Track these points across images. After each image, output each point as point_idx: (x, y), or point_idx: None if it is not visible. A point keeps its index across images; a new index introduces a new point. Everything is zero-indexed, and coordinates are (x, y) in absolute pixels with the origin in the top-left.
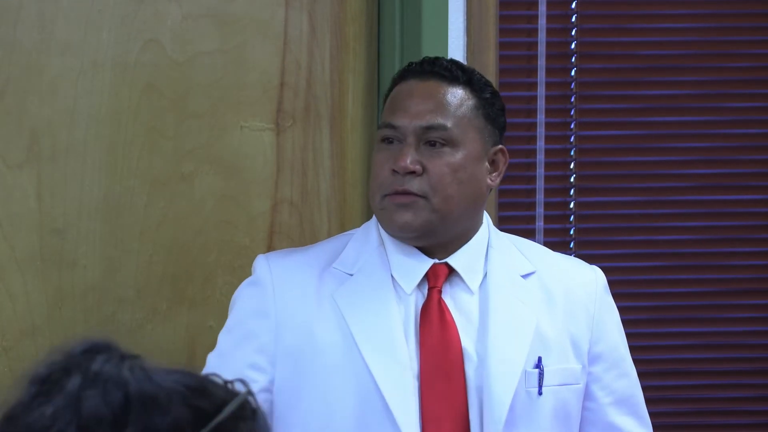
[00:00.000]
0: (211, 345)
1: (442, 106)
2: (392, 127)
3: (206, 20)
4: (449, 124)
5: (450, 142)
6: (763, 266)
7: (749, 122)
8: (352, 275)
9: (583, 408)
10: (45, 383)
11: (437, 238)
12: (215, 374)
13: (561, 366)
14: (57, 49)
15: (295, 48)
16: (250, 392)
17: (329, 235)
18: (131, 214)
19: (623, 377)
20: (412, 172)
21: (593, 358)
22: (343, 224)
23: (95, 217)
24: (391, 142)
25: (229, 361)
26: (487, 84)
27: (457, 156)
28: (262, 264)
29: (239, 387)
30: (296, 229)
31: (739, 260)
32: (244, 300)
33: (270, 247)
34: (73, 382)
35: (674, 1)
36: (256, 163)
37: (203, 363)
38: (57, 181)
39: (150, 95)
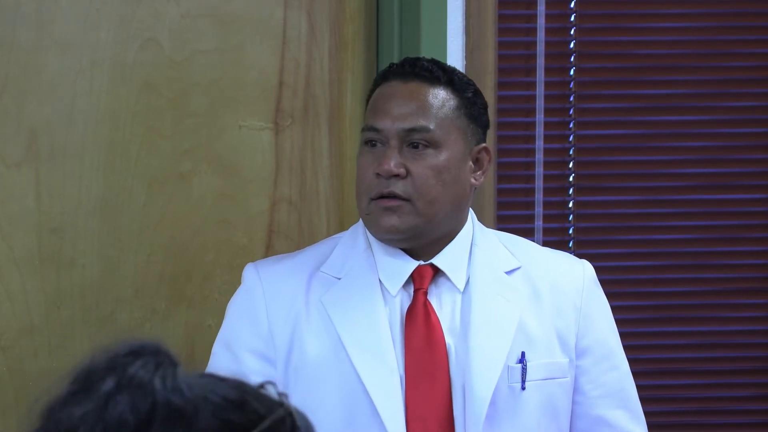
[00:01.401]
0: (210, 344)
1: (424, 108)
2: (375, 129)
3: (204, 19)
4: (432, 125)
5: (433, 144)
6: (761, 265)
7: (748, 122)
8: (339, 279)
9: (572, 401)
10: (84, 381)
11: (423, 240)
12: (271, 383)
13: (546, 360)
14: (55, 49)
15: (294, 47)
16: (290, 409)
17: (328, 234)
18: (129, 213)
19: (613, 370)
20: (396, 175)
21: (581, 352)
22: (342, 223)
23: (93, 217)
24: (375, 145)
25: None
26: (469, 83)
27: (441, 157)
28: (251, 273)
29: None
30: (295, 228)
31: (737, 259)
32: (236, 310)
33: (269, 246)
34: (108, 385)
35: (673, 1)
36: (254, 162)
37: (201, 362)
38: (55, 180)
39: (148, 94)
